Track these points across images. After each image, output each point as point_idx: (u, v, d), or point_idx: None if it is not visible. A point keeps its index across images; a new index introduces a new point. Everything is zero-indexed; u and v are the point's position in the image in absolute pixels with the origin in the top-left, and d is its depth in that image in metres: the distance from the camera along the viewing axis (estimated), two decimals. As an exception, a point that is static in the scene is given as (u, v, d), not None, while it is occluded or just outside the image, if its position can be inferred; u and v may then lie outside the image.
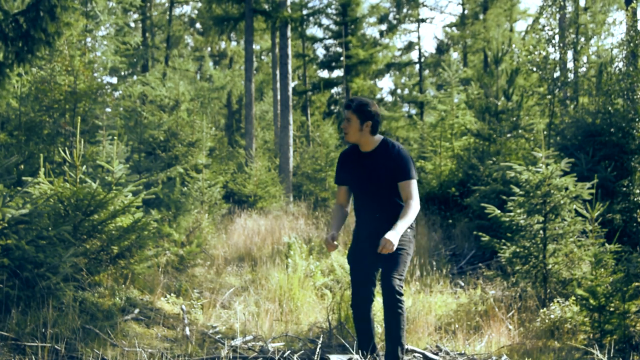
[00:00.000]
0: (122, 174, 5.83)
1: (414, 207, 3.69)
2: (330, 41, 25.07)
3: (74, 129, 8.22)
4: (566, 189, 5.60)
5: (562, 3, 11.34)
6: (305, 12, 20.95)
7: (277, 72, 17.57)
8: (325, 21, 28.34)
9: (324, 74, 26.65)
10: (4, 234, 4.34)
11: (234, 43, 30.75)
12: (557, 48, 10.79)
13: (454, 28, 28.09)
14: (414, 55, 53.25)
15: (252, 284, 6.48)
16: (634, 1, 9.68)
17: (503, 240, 5.85)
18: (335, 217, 3.99)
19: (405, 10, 28.15)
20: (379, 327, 4.68)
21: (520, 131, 10.86)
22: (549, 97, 10.49)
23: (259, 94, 26.94)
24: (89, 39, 10.56)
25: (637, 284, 4.74)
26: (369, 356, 3.82)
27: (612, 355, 4.35)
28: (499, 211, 5.92)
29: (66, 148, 6.90)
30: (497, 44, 11.94)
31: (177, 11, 27.83)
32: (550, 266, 5.48)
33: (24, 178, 5.82)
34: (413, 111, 28.85)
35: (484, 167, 10.45)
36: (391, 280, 3.61)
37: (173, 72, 18.13)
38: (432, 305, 5.51)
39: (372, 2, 45.89)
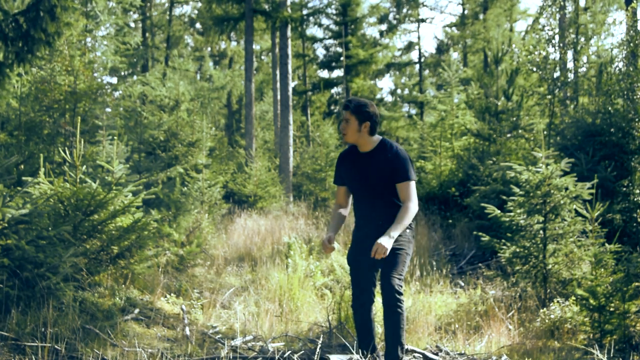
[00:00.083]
0: (122, 174, 5.83)
1: (411, 209, 3.69)
2: (330, 41, 25.08)
3: (74, 129, 8.22)
4: (566, 189, 5.60)
5: (562, 3, 11.35)
6: (305, 12, 20.95)
7: (277, 72, 17.57)
8: (325, 21, 28.34)
9: (324, 74, 26.67)
10: (4, 234, 4.34)
11: (234, 43, 30.75)
12: (557, 48, 10.79)
13: (454, 28, 28.09)
14: (414, 55, 53.28)
15: (252, 284, 6.48)
16: (634, 1, 9.68)
17: (503, 240, 5.86)
18: (334, 219, 3.99)
19: (405, 10, 28.15)
20: (379, 327, 4.68)
21: (520, 131, 10.87)
22: (549, 97, 10.49)
23: (259, 94, 26.94)
24: (89, 39, 10.56)
25: (637, 284, 4.74)
26: (369, 356, 3.82)
27: (612, 355, 4.35)
28: (499, 211, 5.92)
29: (66, 148, 6.90)
30: (497, 44, 11.95)
31: (177, 11, 27.85)
32: (550, 266, 5.48)
33: (24, 178, 5.82)
34: (413, 111, 28.85)
35: (484, 167, 10.45)
36: (391, 280, 3.61)
37: (173, 72, 18.12)
38: (432, 305, 5.51)
39: (372, 2, 45.94)
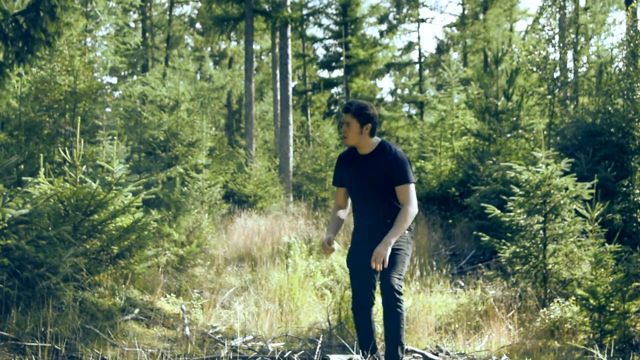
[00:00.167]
0: (122, 174, 5.83)
1: (410, 213, 3.69)
2: (330, 41, 25.08)
3: (74, 129, 8.22)
4: (566, 189, 5.60)
5: (562, 3, 11.34)
6: (305, 12, 20.95)
7: (277, 72, 17.57)
8: (325, 21, 28.36)
9: (324, 74, 26.67)
10: (4, 234, 4.34)
11: (234, 43, 30.75)
12: (557, 48, 10.79)
13: (454, 28, 28.08)
14: (414, 55, 53.29)
15: (252, 284, 6.48)
16: (634, 1, 9.68)
17: (503, 240, 5.86)
18: (333, 220, 4.00)
19: (405, 10, 28.15)
20: (379, 327, 4.68)
21: (520, 131, 10.87)
22: (549, 97, 10.49)
23: (259, 94, 26.94)
24: (89, 39, 10.56)
25: (637, 284, 4.74)
26: (369, 356, 3.82)
27: (612, 355, 4.35)
28: (499, 211, 5.92)
29: (66, 148, 6.90)
30: (497, 44, 11.95)
31: (177, 11, 27.86)
32: (550, 266, 5.48)
33: (24, 178, 5.82)
34: (413, 111, 28.85)
35: (484, 167, 10.45)
36: (390, 280, 3.61)
37: (173, 72, 18.14)
38: (432, 305, 5.51)
39: (372, 2, 45.92)
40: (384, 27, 28.61)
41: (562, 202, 5.47)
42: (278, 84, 17.47)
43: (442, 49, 29.21)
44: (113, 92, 13.53)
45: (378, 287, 3.99)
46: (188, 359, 4.09)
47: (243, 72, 24.34)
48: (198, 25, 28.91)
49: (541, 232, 5.55)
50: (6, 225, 4.36)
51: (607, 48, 10.81)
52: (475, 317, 5.44)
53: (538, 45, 10.64)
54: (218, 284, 6.67)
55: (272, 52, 19.33)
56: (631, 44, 8.38)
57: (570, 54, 11.35)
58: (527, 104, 11.11)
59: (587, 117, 8.35)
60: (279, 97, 17.17)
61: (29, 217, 4.47)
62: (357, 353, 3.82)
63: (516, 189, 5.77)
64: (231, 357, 4.11)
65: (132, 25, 23.45)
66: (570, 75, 11.37)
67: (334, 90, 27.32)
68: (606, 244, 5.26)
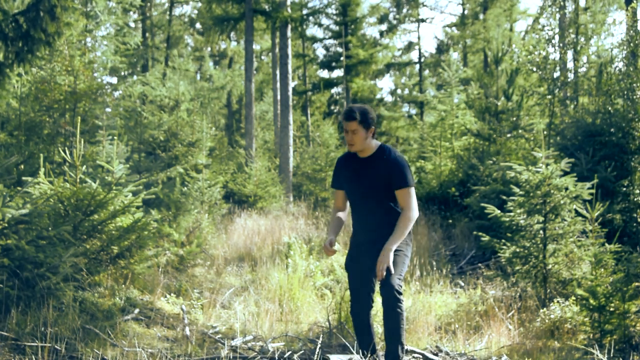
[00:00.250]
0: (122, 174, 5.83)
1: (410, 218, 3.69)
2: (330, 41, 25.08)
3: (74, 129, 8.22)
4: (566, 189, 5.60)
5: (562, 3, 11.34)
6: (305, 12, 20.94)
7: (277, 72, 17.57)
8: (325, 21, 28.30)
9: (324, 74, 26.67)
10: (4, 234, 4.34)
11: (234, 43, 30.75)
12: (557, 48, 10.79)
13: (454, 28, 28.08)
14: (414, 55, 53.23)
15: (252, 284, 6.48)
16: (634, 1, 9.68)
17: (503, 240, 5.85)
18: (333, 221, 3.99)
19: (405, 10, 28.15)
20: (378, 327, 4.68)
21: (520, 131, 10.87)
22: (549, 97, 10.49)
23: (259, 94, 26.94)
24: (89, 39, 10.56)
25: (637, 284, 4.74)
26: (369, 356, 3.82)
27: (612, 355, 4.35)
28: (499, 211, 5.92)
29: (66, 148, 6.90)
30: (497, 44, 11.95)
31: (177, 11, 27.85)
32: (550, 266, 5.48)
33: (24, 178, 5.82)
34: (413, 111, 28.86)
35: (484, 167, 10.45)
36: (391, 279, 3.61)
37: (173, 72, 18.12)
38: (432, 305, 5.51)
39: (372, 2, 45.88)
40: (384, 27, 28.63)
41: (562, 202, 5.47)
42: (278, 84, 17.47)
43: (442, 49, 29.20)
44: (113, 92, 13.53)
45: (377, 289, 4.00)
46: (188, 359, 4.09)
47: (243, 72, 24.34)
48: (198, 25, 28.91)
49: (541, 232, 5.55)
50: (6, 225, 4.36)
51: (607, 48, 10.81)
52: (475, 317, 5.44)
53: (538, 45, 10.64)
54: (218, 284, 6.67)
55: (272, 52, 19.33)
56: (631, 44, 8.38)
57: (570, 54, 11.35)
58: (527, 104, 11.11)
59: (587, 117, 8.35)
60: (279, 97, 17.17)
61: (29, 217, 4.47)
62: (357, 353, 3.82)
63: (516, 189, 5.77)
64: (231, 357, 4.11)
65: (132, 25, 23.45)
66: (570, 75, 11.38)
67: (334, 90, 27.33)
68: (606, 244, 5.26)
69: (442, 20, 61.88)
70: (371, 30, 50.08)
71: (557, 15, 11.26)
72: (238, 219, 10.27)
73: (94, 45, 10.80)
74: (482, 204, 6.60)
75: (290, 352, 4.25)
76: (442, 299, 5.97)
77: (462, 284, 6.96)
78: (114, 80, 22.08)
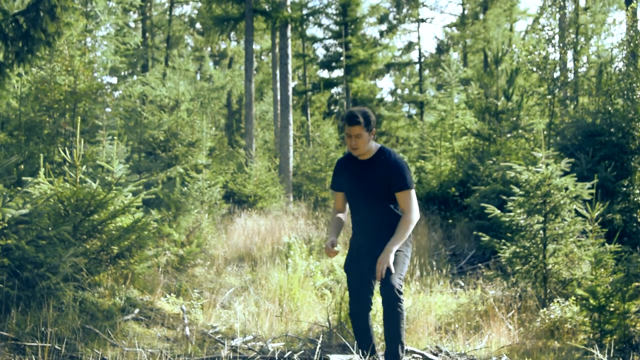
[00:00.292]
0: (122, 174, 5.83)
1: (411, 220, 3.71)
2: (330, 41, 25.08)
3: (74, 129, 8.22)
4: (566, 189, 5.60)
5: (562, 3, 11.35)
6: (305, 12, 20.94)
7: (277, 72, 17.57)
8: (325, 21, 28.31)
9: (324, 74, 26.67)
10: (4, 234, 4.34)
11: (234, 43, 30.75)
12: (557, 48, 10.79)
13: (454, 28, 28.08)
14: (414, 55, 53.26)
15: (252, 284, 6.48)
16: (634, 1, 9.68)
17: (503, 240, 5.85)
18: (334, 223, 3.99)
19: (405, 10, 28.15)
20: (378, 327, 4.68)
21: (520, 131, 10.87)
22: (549, 97, 10.49)
23: (259, 94, 26.94)
24: (89, 39, 10.56)
25: (637, 284, 4.74)
26: (368, 357, 3.83)
27: (612, 355, 4.35)
28: (499, 211, 5.92)
29: (66, 148, 6.90)
30: (497, 44, 11.95)
31: (177, 11, 27.85)
32: (550, 266, 5.48)
33: (24, 178, 5.82)
34: (413, 111, 28.86)
35: (484, 167, 10.45)
36: (391, 279, 3.61)
37: (173, 72, 18.12)
38: (432, 305, 5.51)
39: (372, 2, 45.89)
40: (384, 27, 28.64)
41: (562, 202, 5.47)
42: (278, 84, 17.47)
43: (442, 49, 29.21)
44: (113, 92, 13.53)
45: (376, 289, 4.00)
46: (188, 359, 4.09)
47: (243, 72, 24.34)
48: (198, 25, 28.91)
49: (541, 232, 5.55)
50: (6, 225, 4.36)
51: (607, 48, 10.81)
52: (475, 317, 5.44)
53: (538, 45, 10.64)
54: (218, 284, 6.67)
55: (272, 52, 19.33)
56: (631, 44, 8.38)
57: (570, 54, 11.35)
58: (527, 104, 11.11)
59: (587, 117, 8.35)
60: (279, 97, 17.16)
61: (29, 217, 4.47)
62: (357, 353, 3.82)
63: (516, 189, 5.77)
64: (231, 357, 4.11)
65: (132, 25, 23.45)
66: (570, 75, 11.38)
67: (334, 90, 27.33)
68: (606, 244, 5.26)
69: (442, 20, 61.98)
70: (371, 30, 50.11)
71: (557, 15, 11.26)
72: (238, 219, 10.27)
73: (94, 45, 10.80)
74: (482, 204, 6.60)
75: (290, 352, 4.25)
76: (442, 299, 5.97)
77: (462, 284, 6.96)
78: (114, 80, 22.09)
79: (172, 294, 5.72)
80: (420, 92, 26.87)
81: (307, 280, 5.94)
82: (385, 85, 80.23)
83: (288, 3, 15.67)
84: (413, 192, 3.75)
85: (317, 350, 3.64)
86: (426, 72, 29.57)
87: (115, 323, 4.57)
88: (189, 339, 4.66)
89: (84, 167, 5.67)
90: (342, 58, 23.27)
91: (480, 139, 11.41)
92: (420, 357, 4.31)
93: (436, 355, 4.40)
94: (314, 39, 24.57)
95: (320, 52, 26.70)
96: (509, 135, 10.97)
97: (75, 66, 8.82)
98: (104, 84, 9.93)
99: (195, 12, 27.80)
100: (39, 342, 3.88)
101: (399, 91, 32.15)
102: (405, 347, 4.21)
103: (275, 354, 4.27)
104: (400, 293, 3.63)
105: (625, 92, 7.92)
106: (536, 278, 5.58)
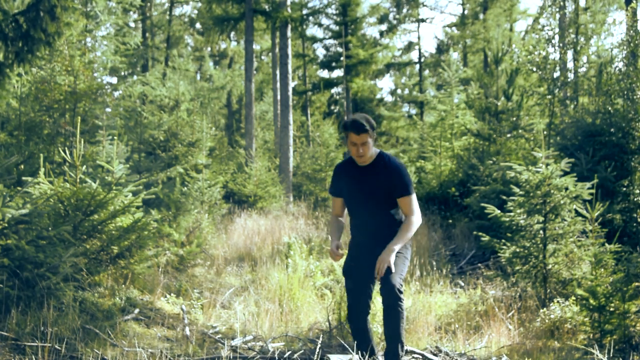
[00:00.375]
0: (122, 174, 5.83)
1: (415, 222, 3.75)
2: (330, 41, 25.08)
3: (74, 129, 8.22)
4: (566, 189, 5.60)
5: (562, 3, 11.34)
6: (305, 12, 20.94)
7: (277, 72, 17.57)
8: (325, 21, 28.34)
9: (324, 74, 26.67)
10: (4, 234, 4.34)
11: (234, 43, 30.76)
12: (557, 48, 10.79)
13: (454, 28, 28.09)
14: (414, 55, 53.28)
15: (252, 284, 6.48)
16: (634, 1, 9.68)
17: (503, 240, 5.85)
18: (334, 227, 3.99)
19: (405, 10, 28.15)
20: (378, 327, 4.68)
21: (520, 131, 10.87)
22: (549, 97, 10.49)
23: (259, 94, 26.94)
24: (89, 39, 10.56)
25: (637, 284, 4.74)
26: (367, 357, 3.83)
27: (612, 355, 4.35)
28: (499, 211, 5.92)
29: (66, 148, 6.90)
30: (497, 44, 11.95)
31: (177, 11, 27.84)
32: (550, 266, 5.48)
33: (24, 178, 5.82)
34: (413, 111, 28.86)
35: (484, 167, 10.45)
36: (392, 279, 3.62)
37: (173, 72, 18.12)
38: (432, 305, 5.51)
39: (372, 2, 45.92)
40: (384, 27, 28.64)
41: (562, 202, 5.47)
42: (278, 84, 17.47)
43: (442, 49, 29.21)
44: (113, 92, 13.52)
45: (376, 289, 4.00)
46: (188, 359, 4.09)
47: (243, 72, 24.34)
48: (198, 25, 28.90)
49: (541, 232, 5.54)
50: (6, 225, 4.36)
51: (607, 48, 10.81)
52: (475, 317, 5.44)
53: (538, 45, 10.63)
54: (218, 284, 6.67)
55: (272, 52, 19.33)
56: (631, 44, 8.38)
57: (570, 54, 11.35)
58: (527, 104, 11.11)
59: (587, 117, 8.35)
60: (279, 97, 17.16)
61: (29, 217, 4.47)
62: (357, 353, 3.82)
63: (516, 189, 5.77)
64: (231, 357, 4.11)
65: (132, 25, 23.44)
66: (570, 75, 11.38)
67: (334, 90, 27.33)
68: (606, 244, 5.26)
69: (442, 20, 62.00)
70: (371, 30, 50.14)
71: (557, 15, 11.26)
72: (238, 219, 10.27)
73: (94, 45, 10.79)
74: (482, 204, 6.60)
75: (290, 352, 4.25)
76: (442, 299, 5.97)
77: (462, 284, 6.96)
78: (114, 80, 22.07)
79: (172, 294, 5.72)
80: (420, 92, 26.87)
81: (307, 280, 5.94)
82: (385, 85, 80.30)
83: (288, 3, 15.68)
84: (414, 196, 3.80)
85: (317, 350, 3.64)
86: (426, 72, 29.58)
87: (115, 323, 4.57)
88: (189, 339, 4.66)
89: (84, 167, 5.67)
90: (342, 58, 23.27)
91: (480, 139, 11.41)
92: (420, 357, 4.31)
93: (436, 355, 4.41)
94: (314, 39, 24.57)
95: (320, 52, 26.73)
96: (509, 135, 10.97)
97: (75, 66, 8.82)
98: (104, 84, 9.93)
99: (195, 12, 27.81)
100: (39, 342, 3.88)
101: (399, 91, 32.17)
102: (405, 347, 4.21)
103: (275, 354, 4.27)
104: (401, 292, 3.63)
105: (625, 92, 7.92)
106: (536, 278, 5.58)
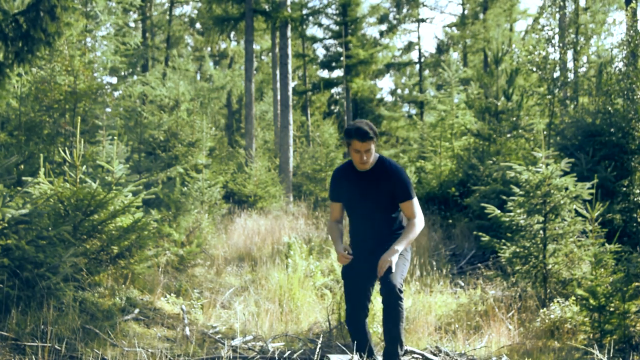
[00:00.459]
0: (122, 174, 5.83)
1: (418, 224, 3.78)
2: (330, 41, 25.08)
3: (74, 129, 8.22)
4: (566, 189, 5.60)
5: (562, 3, 11.34)
6: (305, 12, 20.94)
7: (277, 72, 17.57)
8: (325, 21, 28.36)
9: (324, 74, 26.68)
10: (4, 234, 4.34)
11: (234, 43, 30.74)
12: (557, 48, 10.78)
13: (454, 28, 28.08)
14: (414, 55, 53.26)
15: (252, 284, 6.48)
16: (634, 1, 9.68)
17: (503, 240, 5.85)
18: (336, 232, 3.97)
19: (405, 10, 28.15)
20: (378, 327, 4.68)
21: (520, 131, 10.87)
22: (549, 97, 10.49)
23: (259, 94, 26.93)
24: (89, 39, 10.55)
25: (637, 284, 4.74)
26: (366, 357, 3.83)
27: (612, 355, 4.35)
28: (499, 211, 5.92)
29: (66, 148, 6.90)
30: (497, 44, 11.95)
31: (177, 11, 27.82)
32: (550, 266, 5.48)
33: (24, 178, 5.82)
34: (413, 111, 28.86)
35: (484, 167, 10.45)
36: (392, 278, 3.62)
37: (173, 72, 18.11)
38: (432, 305, 5.51)
39: (372, 2, 45.93)
40: (384, 27, 28.63)
41: (562, 202, 5.47)
42: (278, 84, 17.47)
43: (442, 49, 29.20)
44: (113, 92, 13.51)
45: (376, 289, 4.00)
46: (188, 359, 4.09)
47: (243, 72, 24.33)
48: (198, 25, 28.89)
49: (541, 232, 5.54)
50: (6, 225, 4.36)
51: (607, 48, 10.81)
52: (475, 317, 5.44)
53: (538, 45, 10.63)
54: (218, 284, 6.67)
55: (272, 52, 19.33)
56: (631, 44, 8.38)
57: (570, 54, 11.35)
58: (527, 104, 11.11)
59: (587, 117, 8.35)
60: (279, 97, 17.16)
61: (29, 217, 4.47)
62: (357, 353, 3.83)
63: (516, 189, 5.77)
64: (231, 357, 4.11)
65: (132, 25, 23.44)
66: (570, 75, 11.37)
67: (334, 90, 27.33)
68: (606, 244, 5.26)
69: (442, 20, 61.97)
70: (371, 30, 50.16)
71: (557, 15, 11.25)
72: (238, 219, 10.27)
73: (94, 45, 10.79)
74: (482, 204, 6.60)
75: (290, 352, 4.26)
76: (442, 299, 5.97)
77: (462, 284, 6.96)
78: (114, 80, 22.06)
79: (172, 294, 5.72)
80: (420, 92, 26.87)
81: (307, 280, 5.94)
82: (385, 85, 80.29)
83: (288, 3, 15.67)
84: (416, 199, 3.83)
85: (317, 350, 3.65)
86: (426, 72, 29.57)
87: (115, 323, 4.57)
88: (189, 339, 4.66)
89: (84, 167, 5.67)
90: (342, 58, 23.26)
91: (480, 139, 11.41)
92: (420, 357, 4.31)
93: (436, 355, 4.40)
94: (314, 39, 24.57)
95: (320, 52, 26.73)
96: (509, 135, 10.97)
97: (75, 66, 8.82)
98: (104, 84, 9.93)
99: (195, 12, 27.79)
100: (39, 342, 3.88)
101: (399, 91, 32.17)
102: (405, 347, 4.21)
103: (275, 354, 4.27)
104: (401, 292, 3.64)
105: (625, 92, 7.92)
106: (536, 278, 5.58)
